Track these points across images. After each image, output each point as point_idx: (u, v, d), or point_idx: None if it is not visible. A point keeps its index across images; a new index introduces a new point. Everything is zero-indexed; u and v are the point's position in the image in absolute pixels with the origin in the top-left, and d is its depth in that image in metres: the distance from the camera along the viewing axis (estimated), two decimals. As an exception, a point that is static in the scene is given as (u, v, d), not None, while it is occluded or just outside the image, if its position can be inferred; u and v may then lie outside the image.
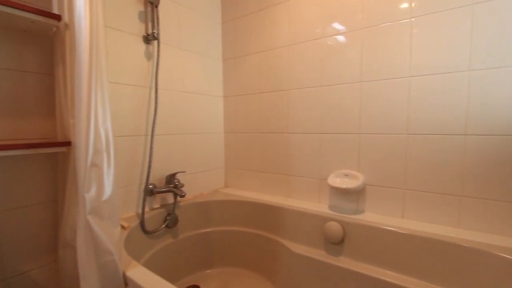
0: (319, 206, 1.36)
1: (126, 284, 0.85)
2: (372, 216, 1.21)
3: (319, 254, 1.23)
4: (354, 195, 1.29)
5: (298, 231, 1.32)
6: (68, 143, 0.88)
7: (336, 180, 1.29)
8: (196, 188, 1.60)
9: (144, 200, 1.24)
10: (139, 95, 1.27)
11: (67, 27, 0.85)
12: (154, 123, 1.25)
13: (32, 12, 0.78)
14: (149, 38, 1.27)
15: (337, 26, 1.29)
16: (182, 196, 1.31)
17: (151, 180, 1.29)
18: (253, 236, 1.47)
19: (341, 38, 1.28)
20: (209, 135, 1.68)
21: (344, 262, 1.16)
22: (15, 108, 0.92)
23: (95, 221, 0.78)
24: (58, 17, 0.83)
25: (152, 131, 1.24)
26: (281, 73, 1.48)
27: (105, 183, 0.81)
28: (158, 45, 1.25)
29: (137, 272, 0.84)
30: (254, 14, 1.57)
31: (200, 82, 1.59)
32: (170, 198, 1.44)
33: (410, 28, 1.10)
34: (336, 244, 1.21)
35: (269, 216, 1.43)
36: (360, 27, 1.22)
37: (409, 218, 1.16)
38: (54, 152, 0.98)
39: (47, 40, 0.96)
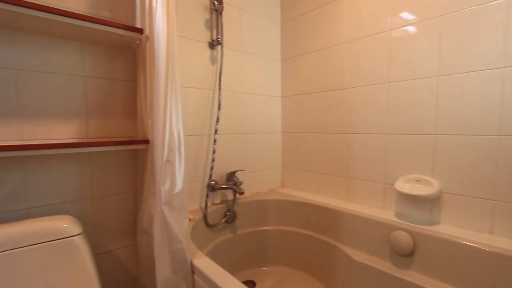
0: (384, 212, 1.26)
1: (193, 271, 0.93)
2: (450, 228, 1.06)
3: (383, 265, 1.13)
4: (427, 203, 1.15)
5: (359, 237, 1.25)
6: (147, 141, 1.00)
7: (405, 186, 1.17)
8: (253, 186, 1.65)
9: (207, 196, 1.33)
10: (204, 97, 1.37)
11: (148, 38, 0.96)
12: (217, 123, 1.33)
13: (122, 28, 0.90)
14: (214, 44, 1.36)
15: (406, 16, 1.17)
16: (241, 194, 1.37)
17: (213, 177, 1.37)
18: (310, 238, 1.45)
19: (411, 28, 1.16)
20: (267, 135, 1.70)
21: (414, 277, 1.04)
22: (106, 111, 1.08)
23: (168, 211, 0.87)
24: (141, 31, 0.95)
25: (215, 131, 1.33)
26: (342, 70, 1.42)
27: (177, 178, 0.90)
28: (222, 50, 1.33)
29: (202, 261, 0.91)
30: (313, 12, 1.54)
31: (259, 83, 1.63)
32: (229, 195, 1.51)
33: (506, 9, 0.93)
34: (404, 256, 1.10)
35: (327, 219, 1.38)
36: (436, 15, 1.08)
37: (499, 235, 0.98)
38: (135, 149, 1.13)
39: (131, 51, 1.11)
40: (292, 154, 1.75)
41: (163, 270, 0.89)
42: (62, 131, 0.97)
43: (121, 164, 1.12)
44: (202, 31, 1.34)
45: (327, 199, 1.49)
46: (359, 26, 1.33)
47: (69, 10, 0.84)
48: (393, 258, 1.13)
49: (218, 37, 1.33)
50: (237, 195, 1.45)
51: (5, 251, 0.77)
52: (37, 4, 0.75)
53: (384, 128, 1.27)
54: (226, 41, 1.40)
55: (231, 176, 1.45)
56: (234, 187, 1.41)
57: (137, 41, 1.03)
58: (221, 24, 1.33)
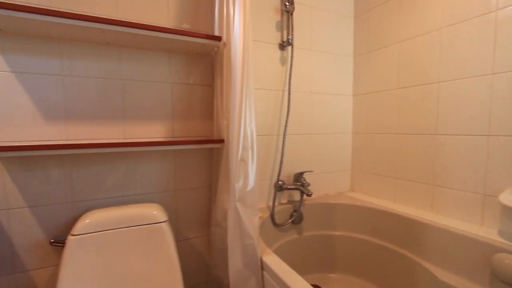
0: (483, 229, 1.06)
1: (262, 268, 0.96)
2: None
3: (481, 292, 0.95)
4: (548, 223, 0.92)
5: (449, 256, 1.08)
6: (222, 141, 1.07)
7: (514, 200, 0.96)
8: (321, 188, 1.60)
9: (274, 195, 1.35)
10: (273, 98, 1.40)
11: (225, 45, 1.03)
12: (286, 123, 1.34)
13: (204, 38, 1.00)
14: (284, 45, 1.37)
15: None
16: (309, 195, 1.34)
17: (280, 177, 1.39)
18: (384, 250, 1.32)
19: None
20: (336, 136, 1.63)
21: (527, 312, 0.85)
22: (187, 113, 1.20)
23: (241, 207, 0.92)
24: (219, 38, 1.03)
25: (284, 131, 1.34)
26: (429, 63, 1.25)
27: (249, 176, 0.94)
28: (292, 50, 1.33)
29: (272, 259, 0.93)
30: (392, 0, 1.40)
31: (328, 82, 1.57)
32: (296, 196, 1.50)
33: None
34: (510, 285, 0.90)
35: (407, 230, 1.24)
36: None
37: None
38: (211, 148, 1.23)
39: (209, 58, 1.21)
40: (363, 156, 1.63)
41: (235, 263, 0.94)
42: (154, 131, 1.12)
43: (198, 161, 1.23)
44: (273, 33, 1.37)
45: (407, 208, 1.34)
46: (453, 9, 1.15)
47: (164, 26, 0.97)
48: (495, 285, 0.94)
49: (289, 37, 1.33)
50: (304, 197, 1.43)
51: (113, 229, 0.93)
52: (141, 24, 0.89)
53: (484, 128, 1.07)
54: (296, 41, 1.40)
55: (299, 176, 1.44)
56: (301, 188, 1.40)
57: (215, 48, 1.12)
58: (292, 25, 1.33)
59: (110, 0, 1.01)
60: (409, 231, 1.23)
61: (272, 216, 1.35)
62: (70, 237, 0.88)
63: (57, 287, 0.84)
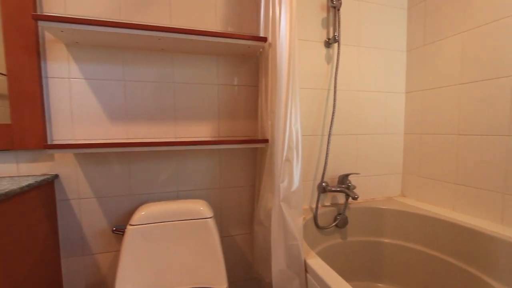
0: None
1: (306, 270, 0.94)
2: None
3: None
4: None
5: (524, 275, 0.93)
6: (266, 141, 1.08)
7: None
8: (367, 192, 1.51)
9: (318, 197, 1.32)
10: (317, 97, 1.36)
11: (270, 46, 1.03)
12: (331, 123, 1.29)
13: (250, 39, 1.01)
14: (330, 42, 1.33)
15: None
16: (354, 199, 1.28)
17: (324, 178, 1.35)
18: (440, 262, 1.20)
19: None
20: (385, 136, 1.53)
21: None
22: (232, 113, 1.24)
23: (285, 208, 0.92)
24: (265, 39, 1.04)
25: (329, 131, 1.30)
26: (502, 54, 1.09)
27: (294, 176, 0.93)
28: (338, 47, 1.28)
29: (316, 262, 0.91)
30: (455, -14, 1.26)
31: (378, 79, 1.48)
32: (340, 198, 1.44)
33: None
34: None
35: (468, 242, 1.11)
36: None
37: None
38: (255, 147, 1.25)
39: (254, 59, 1.22)
40: (416, 159, 1.49)
41: (278, 262, 0.94)
42: (202, 131, 1.18)
43: (242, 160, 1.26)
44: (318, 30, 1.34)
45: (469, 218, 1.19)
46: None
47: (214, 31, 1.01)
48: None
49: (335, 34, 1.29)
50: (350, 200, 1.37)
51: (164, 221, 1.00)
52: (194, 30, 0.95)
53: None
54: (343, 38, 1.34)
55: (343, 179, 1.38)
56: (346, 190, 1.34)
57: (261, 49, 1.13)
58: (339, 21, 1.28)
59: (164, 9, 1.09)
60: (473, 244, 1.09)
61: (315, 218, 1.32)
62: (128, 227, 0.97)
63: (118, 270, 0.93)
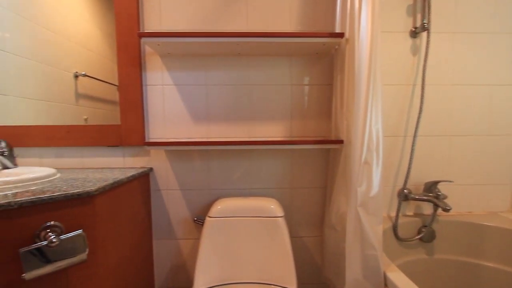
0: None
1: (385, 284, 0.86)
2: None
3: None
4: None
5: None
6: (341, 141, 1.03)
7: None
8: (462, 204, 1.29)
9: (399, 204, 1.19)
10: (400, 94, 1.23)
11: (348, 41, 0.98)
12: (417, 123, 1.15)
13: (326, 37, 0.98)
14: (417, 31, 1.18)
15: None
16: (446, 210, 1.11)
17: (407, 185, 1.20)
18: None
19: None
20: (488, 138, 1.27)
21: None
22: (304, 113, 1.22)
23: (363, 214, 0.86)
24: (342, 35, 0.99)
25: (415, 132, 1.15)
26: None
27: (373, 181, 0.86)
28: (428, 36, 1.13)
29: (399, 277, 0.82)
30: None
31: (479, 69, 1.24)
32: (426, 209, 1.27)
33: None
34: None
35: None
36: None
37: None
38: (327, 148, 1.20)
39: (329, 57, 1.18)
40: (537, 167, 1.19)
41: (353, 271, 0.89)
42: (275, 131, 1.20)
43: (314, 161, 1.23)
44: (402, 20, 1.20)
45: None
46: None
47: (290, 32, 1.02)
48: None
49: (424, 22, 1.14)
50: (439, 211, 1.19)
51: (238, 216, 1.06)
52: (270, 32, 0.99)
53: None
54: (434, 25, 1.17)
55: (432, 186, 1.21)
56: (435, 200, 1.17)
57: (336, 46, 1.08)
58: (429, 6, 1.12)
59: (241, 15, 1.15)
60: None
61: (394, 228, 1.19)
62: (207, 218, 1.06)
63: (198, 256, 1.03)
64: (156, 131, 1.19)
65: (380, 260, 0.85)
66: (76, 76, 1.19)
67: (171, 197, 1.22)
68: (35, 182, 0.85)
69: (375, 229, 0.86)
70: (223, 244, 1.05)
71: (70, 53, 1.18)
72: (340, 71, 1.06)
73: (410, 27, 1.20)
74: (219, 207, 1.08)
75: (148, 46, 1.09)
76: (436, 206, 1.18)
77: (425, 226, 1.22)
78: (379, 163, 0.87)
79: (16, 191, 0.75)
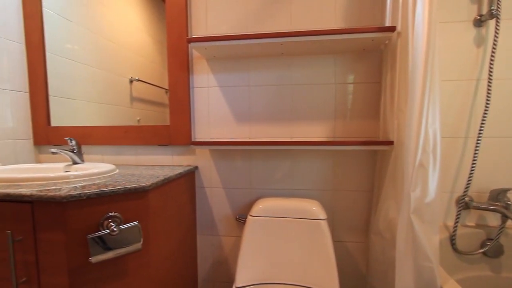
0: None
1: (443, 300, 0.78)
2: None
3: None
4: None
5: None
6: (390, 143, 0.96)
7: None
8: (539, 216, 1.11)
9: (458, 213, 1.07)
10: (461, 91, 1.10)
11: (399, 35, 0.91)
12: (482, 122, 1.02)
13: (375, 31, 0.93)
14: (482, 19, 1.05)
15: None
16: (518, 222, 0.97)
17: (468, 192, 1.08)
18: None
19: None
20: None
21: None
22: (349, 113, 1.16)
23: (416, 221, 0.79)
24: (393, 29, 0.92)
25: (479, 133, 1.03)
26: None
27: (429, 185, 0.79)
28: (497, 24, 0.99)
29: (459, 294, 0.74)
30: None
31: None
32: (492, 219, 1.12)
33: None
34: None
35: None
36: None
37: None
38: (374, 150, 1.13)
39: (376, 53, 1.11)
40: None
41: (404, 283, 0.82)
42: (317, 131, 1.18)
43: (359, 163, 1.17)
44: (465, 7, 1.08)
45: None
46: None
47: (335, 28, 0.98)
48: None
49: (492, 8, 1.01)
50: (508, 223, 1.04)
51: (279, 216, 1.05)
52: (315, 30, 0.96)
53: None
54: (504, 10, 1.02)
55: (500, 195, 1.06)
56: (504, 210, 1.03)
57: (386, 41, 1.02)
58: (498, -10, 0.99)
59: (285, 15, 1.15)
60: None
61: (452, 239, 1.08)
62: (249, 217, 1.08)
63: (240, 253, 1.05)
64: (201, 131, 1.25)
65: (436, 272, 0.78)
66: (131, 81, 1.30)
67: (215, 194, 1.27)
68: (99, 176, 0.95)
69: (431, 239, 0.79)
70: (264, 243, 1.05)
71: (126, 60, 1.30)
72: (390, 68, 0.99)
73: (474, 15, 1.07)
74: (260, 206, 1.08)
75: (195, 50, 1.15)
76: (505, 217, 1.04)
77: (490, 239, 1.08)
78: (436, 167, 0.79)
79: (84, 184, 0.84)
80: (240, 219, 1.20)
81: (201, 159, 1.26)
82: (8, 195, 0.73)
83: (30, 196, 0.72)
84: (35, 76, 1.29)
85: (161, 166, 1.22)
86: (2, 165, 1.14)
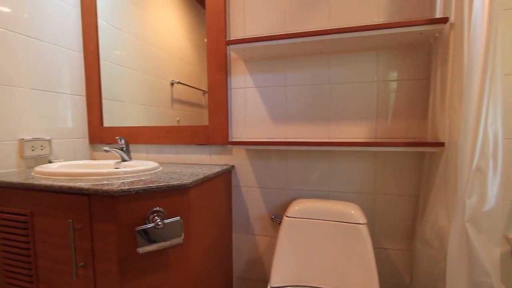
0: None
1: (505, 321, 0.69)
2: None
3: None
4: None
5: None
6: (441, 144, 0.89)
7: None
8: None
9: (524, 224, 0.95)
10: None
11: (453, 26, 0.84)
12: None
13: (424, 24, 0.86)
14: (557, 4, 0.91)
15: None
16: None
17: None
18: None
19: None
20: None
21: None
22: (392, 112, 1.09)
23: (472, 231, 0.71)
24: (445, 20, 0.85)
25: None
26: None
27: (488, 192, 0.71)
28: None
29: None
30: None
31: None
32: None
33: None
34: None
35: None
36: None
37: None
38: (422, 152, 1.05)
39: (425, 47, 1.03)
40: None
41: (457, 298, 0.75)
42: (356, 131, 1.13)
43: (403, 166, 1.10)
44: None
45: None
46: None
47: (378, 23, 0.93)
48: None
49: None
50: None
51: (316, 219, 1.03)
52: (357, 26, 0.92)
53: None
54: None
55: None
56: None
57: (437, 34, 0.94)
58: None
59: (323, 12, 1.12)
60: None
61: (516, 253, 0.95)
62: (285, 218, 1.07)
63: (275, 253, 1.04)
64: (238, 131, 1.27)
65: (496, 290, 0.70)
66: (172, 84, 1.38)
67: (250, 194, 1.28)
68: (145, 173, 1.02)
69: (491, 252, 0.71)
70: (300, 245, 1.04)
71: (167, 64, 1.38)
72: (441, 63, 0.91)
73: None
74: (296, 207, 1.07)
75: (233, 52, 1.17)
76: None
77: None
78: (497, 172, 0.71)
79: (132, 179, 0.91)
80: (276, 220, 1.19)
81: (238, 159, 1.28)
82: (70, 188, 0.82)
83: (88, 189, 0.80)
84: (91, 81, 1.43)
85: (200, 165, 1.27)
86: (64, 161, 1.29)
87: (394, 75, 1.08)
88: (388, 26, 0.88)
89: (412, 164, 1.09)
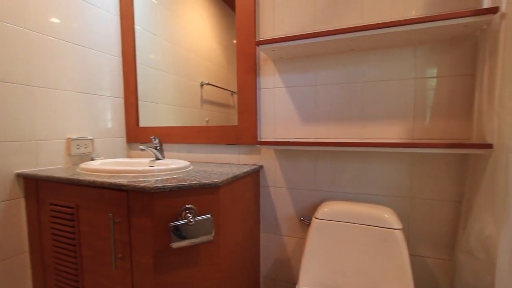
0: None
1: None
2: None
3: None
4: None
5: None
6: (488, 146, 0.81)
7: None
8: None
9: None
10: None
11: (504, 17, 0.76)
12: None
13: (470, 15, 0.79)
14: None
15: None
16: None
17: None
18: None
19: None
20: None
21: None
22: (431, 111, 1.02)
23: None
24: (495, 10, 0.77)
25: None
26: None
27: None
28: None
29: None
30: None
31: None
32: None
33: None
34: None
35: None
36: None
37: None
38: (465, 154, 0.98)
39: (469, 41, 0.95)
40: None
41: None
42: (391, 131, 1.07)
43: (442, 169, 1.02)
44: None
45: None
46: None
47: (418, 17, 0.87)
48: None
49: None
50: None
51: (346, 222, 1.00)
52: (393, 21, 0.87)
53: None
54: None
55: None
56: None
57: (484, 26, 0.86)
58: None
59: (356, 8, 1.08)
60: None
61: None
62: (314, 219, 1.05)
63: (304, 255, 1.03)
64: (267, 131, 1.28)
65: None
66: (202, 85, 1.42)
67: (278, 194, 1.28)
68: (178, 171, 1.06)
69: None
70: (329, 248, 1.01)
71: (197, 66, 1.42)
72: (489, 57, 0.84)
73: None
74: (326, 209, 1.05)
75: (262, 52, 1.18)
76: None
77: None
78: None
79: (166, 177, 0.95)
80: (305, 221, 1.18)
81: (266, 159, 1.29)
82: (111, 184, 0.88)
83: (126, 186, 0.85)
84: (128, 84, 1.52)
85: (229, 165, 1.29)
86: (104, 159, 1.38)
87: (433, 71, 1.01)
88: (430, 19, 0.83)
89: (452, 167, 1.01)
